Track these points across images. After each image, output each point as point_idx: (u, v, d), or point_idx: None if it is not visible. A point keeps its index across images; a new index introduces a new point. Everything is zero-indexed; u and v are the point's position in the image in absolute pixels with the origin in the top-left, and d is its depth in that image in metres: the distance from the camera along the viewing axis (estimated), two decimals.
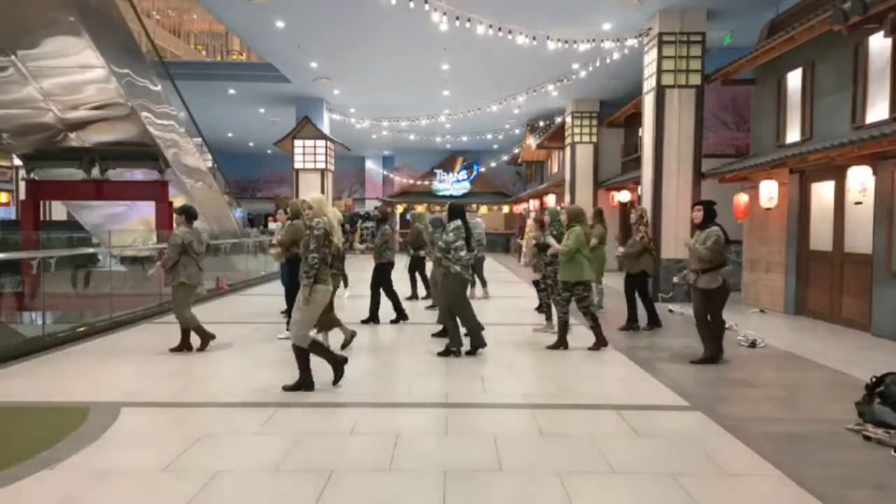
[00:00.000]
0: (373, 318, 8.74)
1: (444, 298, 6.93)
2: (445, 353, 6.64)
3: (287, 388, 5.25)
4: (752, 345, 7.31)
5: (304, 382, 5.26)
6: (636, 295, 8.44)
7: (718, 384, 5.73)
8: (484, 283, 11.52)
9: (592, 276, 7.03)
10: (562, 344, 7.03)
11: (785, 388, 5.66)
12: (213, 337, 6.90)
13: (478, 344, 6.77)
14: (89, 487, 3.40)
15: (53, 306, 9.38)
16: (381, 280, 8.88)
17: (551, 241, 7.25)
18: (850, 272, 8.56)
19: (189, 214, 6.80)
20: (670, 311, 10.06)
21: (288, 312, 9.13)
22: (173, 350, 6.77)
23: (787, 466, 3.70)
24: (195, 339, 6.86)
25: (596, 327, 7.02)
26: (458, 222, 6.63)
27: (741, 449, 4.03)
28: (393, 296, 8.90)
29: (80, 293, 10.54)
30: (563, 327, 7.08)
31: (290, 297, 8.17)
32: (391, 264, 9.01)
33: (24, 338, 7.15)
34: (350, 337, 6.97)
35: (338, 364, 5.43)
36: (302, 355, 5.23)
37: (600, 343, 7.01)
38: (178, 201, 12.63)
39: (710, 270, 6.35)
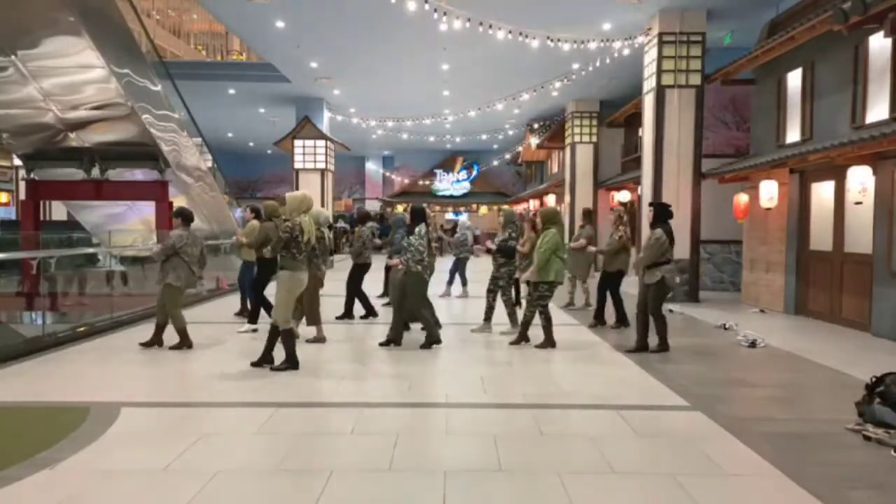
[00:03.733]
0: (370, 313, 9.07)
1: (401, 295, 7.12)
2: (428, 346, 6.96)
3: (274, 369, 5.87)
4: (752, 345, 7.30)
5: (264, 357, 5.96)
6: (608, 293, 8.58)
7: (718, 384, 5.73)
8: (464, 283, 11.65)
9: (561, 277, 7.07)
10: (550, 343, 7.04)
11: (785, 388, 5.66)
12: (160, 344, 6.92)
13: (434, 340, 7.03)
14: (89, 487, 3.40)
15: (53, 306, 9.37)
16: (355, 280, 9.03)
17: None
18: (850, 272, 8.55)
19: (185, 217, 6.89)
20: (670, 310, 10.04)
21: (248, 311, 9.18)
22: (172, 348, 6.84)
23: (787, 466, 3.70)
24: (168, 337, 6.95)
25: (547, 328, 7.06)
26: (423, 226, 7.01)
27: (741, 449, 4.02)
28: (358, 296, 9.11)
29: (81, 293, 10.52)
30: (546, 326, 7.08)
31: (255, 295, 8.19)
32: (367, 266, 9.18)
33: (24, 338, 7.14)
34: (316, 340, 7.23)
35: (292, 362, 5.92)
36: (274, 336, 5.93)
37: (548, 343, 7.04)
38: (178, 201, 12.62)
39: (652, 267, 6.70)
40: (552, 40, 11.57)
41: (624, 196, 16.97)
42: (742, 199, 10.62)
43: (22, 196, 15.21)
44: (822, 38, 8.48)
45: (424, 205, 7.89)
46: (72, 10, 8.18)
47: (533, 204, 25.23)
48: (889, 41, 7.55)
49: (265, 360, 5.97)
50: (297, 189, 18.84)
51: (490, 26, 10.66)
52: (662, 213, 6.94)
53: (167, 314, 6.89)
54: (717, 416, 4.65)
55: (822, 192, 9.23)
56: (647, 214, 7.87)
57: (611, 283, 8.53)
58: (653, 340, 6.83)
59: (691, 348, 7.05)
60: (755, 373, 6.16)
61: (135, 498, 3.30)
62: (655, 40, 11.36)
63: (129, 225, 14.04)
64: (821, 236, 9.21)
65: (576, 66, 14.03)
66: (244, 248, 8.81)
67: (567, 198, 19.19)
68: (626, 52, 12.35)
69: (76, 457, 3.80)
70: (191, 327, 6.95)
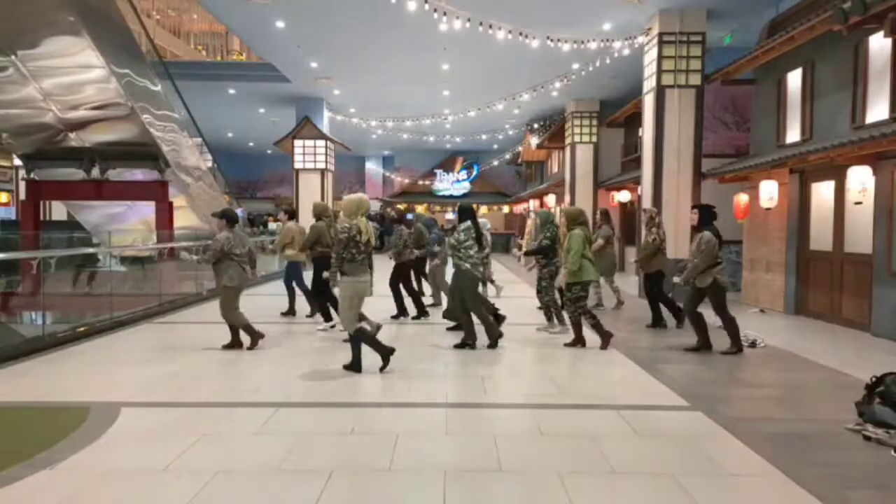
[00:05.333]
0: (401, 312, 9.07)
1: (457, 295, 7.08)
2: (461, 346, 6.92)
3: (345, 367, 5.94)
4: (752, 345, 7.30)
5: (354, 364, 5.90)
6: (656, 294, 8.56)
7: (718, 384, 5.73)
8: (490, 282, 11.63)
9: (595, 276, 7.16)
10: (579, 342, 7.13)
11: (785, 388, 5.66)
12: (261, 336, 6.99)
13: (495, 335, 6.98)
14: (89, 487, 3.40)
15: (54, 306, 9.38)
16: (402, 279, 9.16)
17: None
18: (850, 272, 8.55)
19: (229, 218, 6.86)
20: None
21: (292, 311, 9.24)
22: (225, 347, 6.91)
23: (787, 466, 3.70)
24: (244, 338, 7.02)
25: (597, 325, 7.08)
26: (469, 223, 6.97)
27: (741, 449, 4.03)
28: (414, 293, 9.28)
29: (81, 293, 10.51)
30: (577, 326, 7.15)
31: (318, 296, 8.22)
32: (409, 263, 9.30)
33: (24, 338, 7.15)
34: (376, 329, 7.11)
35: (385, 353, 5.95)
36: (352, 340, 5.92)
37: (605, 338, 7.08)
38: (178, 201, 12.64)
39: (703, 271, 6.77)
40: (552, 40, 11.57)
41: (624, 196, 16.96)
42: (742, 199, 10.62)
43: (22, 196, 15.22)
44: (822, 38, 8.48)
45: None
46: (72, 10, 8.20)
47: (533, 204, 25.18)
48: (889, 41, 7.55)
49: (355, 366, 5.91)
50: (297, 189, 18.88)
51: (490, 26, 10.66)
52: (707, 216, 6.92)
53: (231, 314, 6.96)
54: (717, 416, 4.65)
55: (822, 192, 9.23)
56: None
57: (652, 284, 8.53)
58: (724, 341, 6.94)
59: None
60: (755, 373, 6.16)
61: (135, 498, 3.30)
62: (655, 40, 11.35)
63: (128, 225, 14.07)
64: (821, 236, 9.21)
65: (576, 66, 14.02)
66: (289, 249, 8.91)
67: (567, 198, 19.18)
68: (626, 52, 12.35)
69: (76, 457, 3.80)
70: (192, 328, 6.97)
